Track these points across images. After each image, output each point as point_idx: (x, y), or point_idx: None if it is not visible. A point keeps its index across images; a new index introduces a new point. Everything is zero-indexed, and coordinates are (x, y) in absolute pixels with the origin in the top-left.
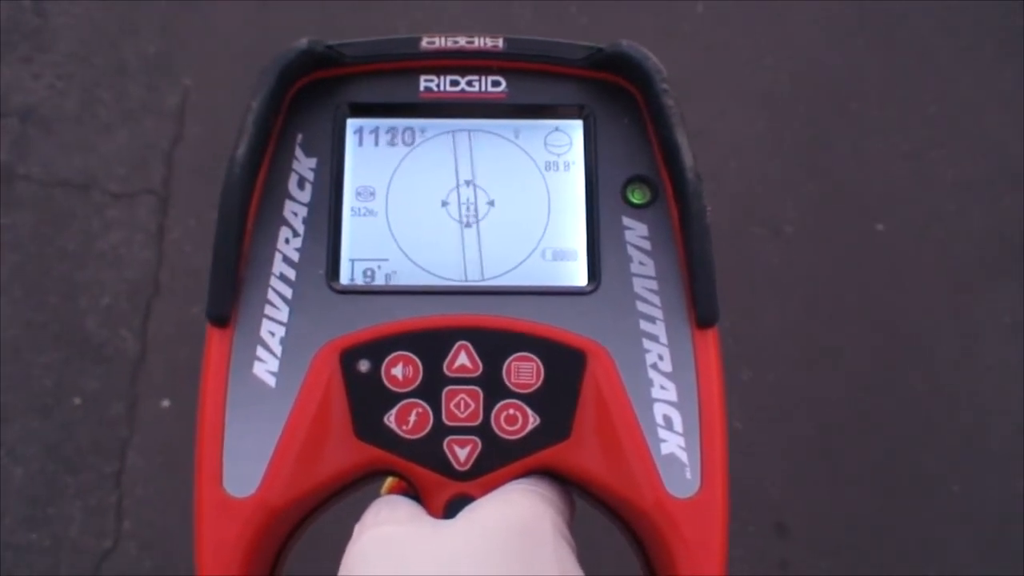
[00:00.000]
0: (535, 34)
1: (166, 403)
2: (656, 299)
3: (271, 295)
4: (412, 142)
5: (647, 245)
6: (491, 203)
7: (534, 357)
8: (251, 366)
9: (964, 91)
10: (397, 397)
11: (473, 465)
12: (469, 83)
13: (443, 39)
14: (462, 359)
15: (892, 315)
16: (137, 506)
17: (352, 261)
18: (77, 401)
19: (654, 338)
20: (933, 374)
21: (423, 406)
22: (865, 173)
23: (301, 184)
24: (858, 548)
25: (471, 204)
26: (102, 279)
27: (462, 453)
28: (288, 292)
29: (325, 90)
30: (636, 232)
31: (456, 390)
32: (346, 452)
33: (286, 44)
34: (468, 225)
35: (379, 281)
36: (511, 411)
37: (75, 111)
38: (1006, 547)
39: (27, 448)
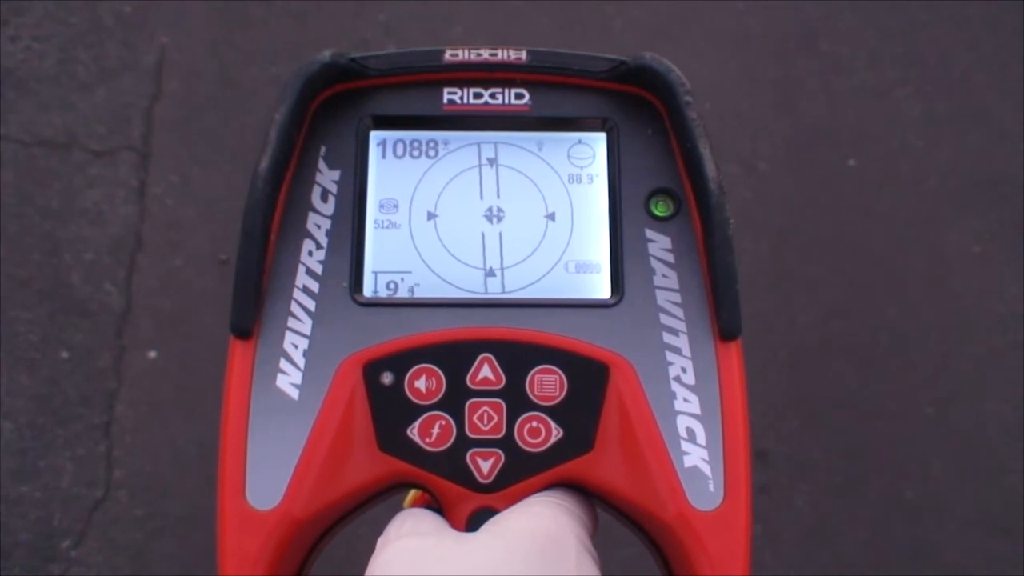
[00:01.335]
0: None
1: (152, 354)
2: (679, 312)
3: (294, 307)
4: (436, 154)
5: (670, 258)
6: (514, 215)
7: (557, 370)
8: (274, 378)
9: (931, 31)
10: (420, 409)
11: (496, 478)
12: (492, 95)
13: (466, 51)
14: (485, 372)
15: (864, 247)
16: (127, 455)
17: (375, 273)
18: (64, 355)
19: (677, 351)
20: (905, 302)
21: (446, 418)
22: (836, 111)
23: (324, 196)
24: (837, 472)
25: (494, 216)
26: (85, 235)
27: (485, 466)
28: (311, 304)
29: (348, 102)
30: (659, 244)
31: (479, 402)
32: (369, 464)
33: (309, 56)
34: (491, 238)
35: (402, 293)
36: (534, 423)
37: (53, 71)
38: (980, 465)
39: (16, 402)
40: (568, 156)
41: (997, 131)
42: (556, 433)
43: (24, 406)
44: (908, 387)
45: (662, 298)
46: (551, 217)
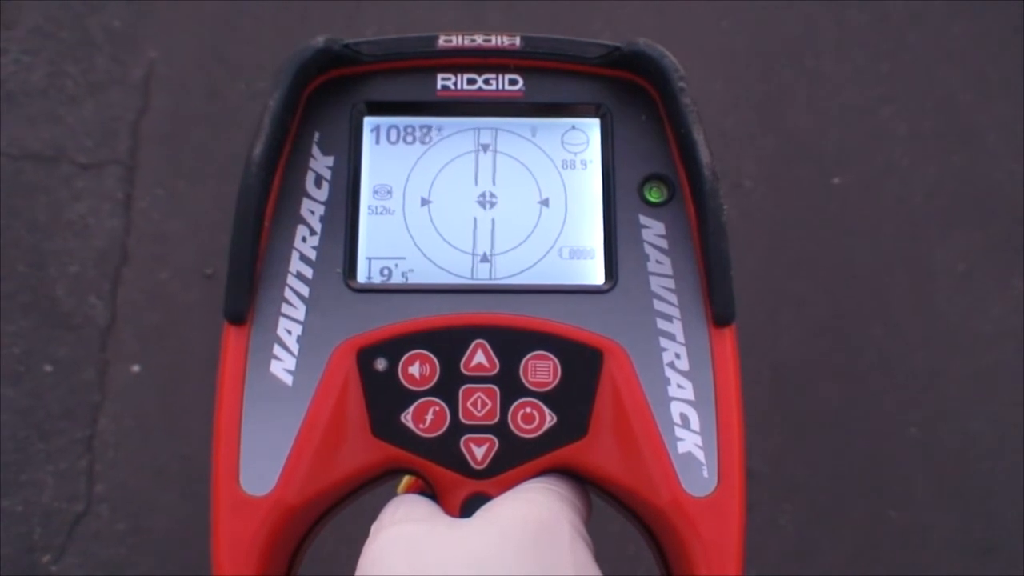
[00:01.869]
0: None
1: (136, 368)
2: (673, 297)
3: (288, 293)
4: (429, 140)
5: (664, 243)
6: (508, 201)
7: (551, 356)
8: (268, 364)
9: (916, 49)
10: (414, 395)
11: (490, 464)
12: (486, 81)
13: (460, 37)
14: (479, 358)
15: (849, 265)
16: (109, 470)
17: (369, 259)
18: (48, 368)
19: (671, 336)
20: (890, 321)
21: (440, 404)
22: (821, 128)
23: (318, 182)
24: (820, 491)
25: (488, 202)
26: (71, 248)
27: (479, 452)
28: (305, 290)
29: (342, 88)
30: (653, 231)
31: (473, 388)
32: (363, 451)
33: (302, 42)
34: (485, 223)
35: (396, 279)
36: (528, 409)
37: (42, 85)
38: (965, 486)
39: None
40: (562, 142)
41: (983, 149)
42: (550, 419)
43: (7, 419)
44: (893, 406)
45: (656, 284)
46: (545, 203)
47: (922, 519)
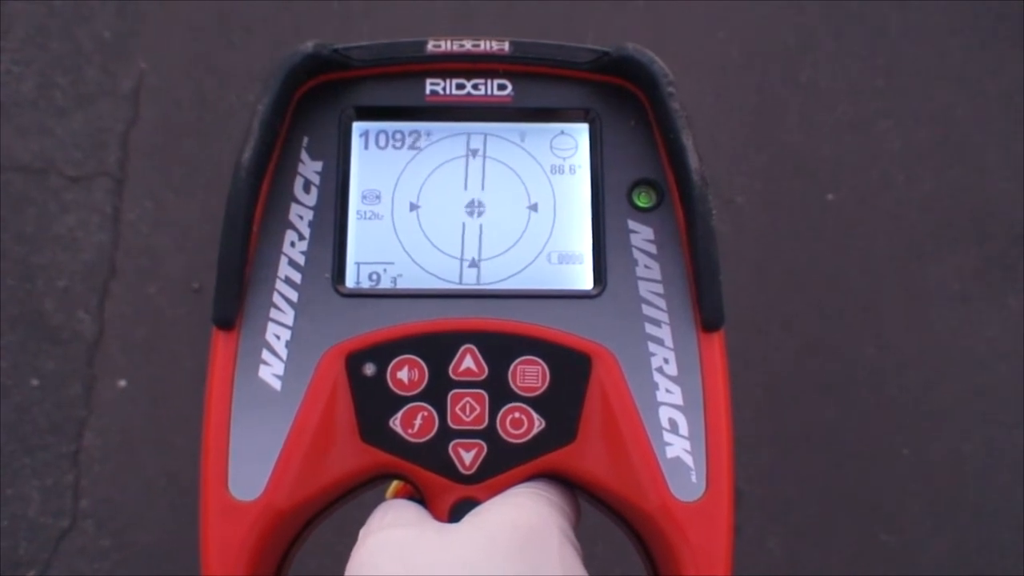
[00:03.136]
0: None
1: (123, 383)
2: (662, 303)
3: (277, 299)
4: (418, 145)
5: (653, 249)
6: (497, 206)
7: (540, 360)
8: (257, 369)
9: (912, 63)
10: (403, 400)
11: (479, 469)
12: (475, 86)
13: (449, 42)
14: (468, 362)
15: (842, 282)
16: (94, 485)
17: (358, 264)
18: (35, 382)
19: (660, 342)
20: (883, 339)
21: (429, 409)
22: (815, 144)
23: (307, 187)
24: (810, 512)
25: (477, 207)
26: (59, 261)
27: (468, 456)
28: (294, 296)
29: (331, 93)
30: (642, 236)
31: (462, 393)
32: (352, 455)
33: (292, 47)
34: (474, 228)
35: (385, 284)
36: (517, 414)
37: (32, 95)
38: (957, 508)
39: None
40: (551, 147)
41: (979, 166)
42: (538, 424)
43: None
44: (884, 427)
45: (645, 289)
46: (534, 208)
47: (914, 541)
